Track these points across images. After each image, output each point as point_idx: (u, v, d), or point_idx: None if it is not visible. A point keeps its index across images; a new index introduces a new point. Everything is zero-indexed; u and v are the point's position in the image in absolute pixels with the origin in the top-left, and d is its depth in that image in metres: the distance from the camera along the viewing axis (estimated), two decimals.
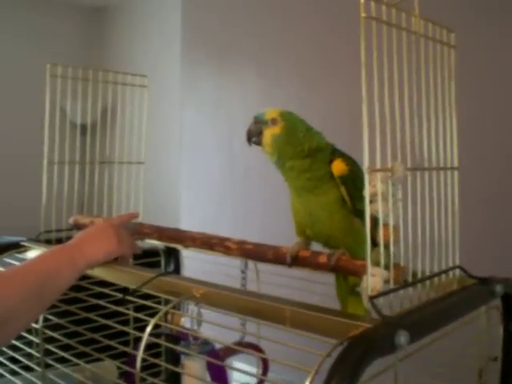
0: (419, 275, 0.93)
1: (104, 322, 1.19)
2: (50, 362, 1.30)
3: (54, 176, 1.55)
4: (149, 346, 0.94)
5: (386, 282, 0.85)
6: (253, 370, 1.43)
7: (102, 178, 1.64)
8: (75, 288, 1.19)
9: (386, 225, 0.86)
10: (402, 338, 0.76)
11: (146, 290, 1.07)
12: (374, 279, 0.84)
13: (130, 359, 1.36)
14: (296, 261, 1.06)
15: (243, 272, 1.37)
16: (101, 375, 1.35)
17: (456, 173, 1.04)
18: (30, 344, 1.34)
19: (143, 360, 0.93)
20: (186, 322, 1.15)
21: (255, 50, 3.08)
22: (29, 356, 1.35)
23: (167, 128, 3.74)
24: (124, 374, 1.47)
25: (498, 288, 1.00)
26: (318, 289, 1.26)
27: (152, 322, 0.92)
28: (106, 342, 1.18)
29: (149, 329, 0.92)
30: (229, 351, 1.28)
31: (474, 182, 1.86)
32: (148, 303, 1.08)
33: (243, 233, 2.97)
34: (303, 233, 1.10)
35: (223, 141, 3.26)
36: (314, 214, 1.07)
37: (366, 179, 0.83)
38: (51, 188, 1.53)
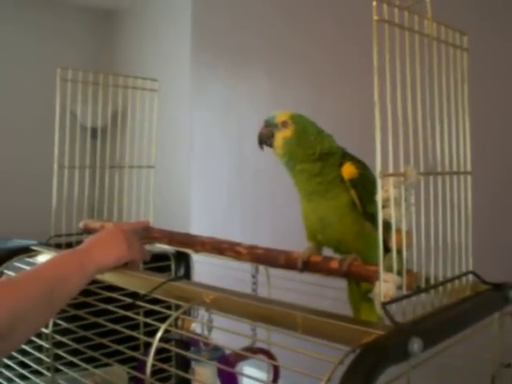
0: (432, 281, 0.91)
1: (113, 326, 1.19)
2: (60, 366, 1.30)
3: (65, 180, 1.55)
4: (159, 351, 0.94)
5: (399, 288, 0.84)
6: (263, 375, 1.42)
7: (112, 182, 1.63)
8: (85, 292, 1.19)
9: (398, 230, 0.85)
10: (416, 345, 0.75)
11: (156, 296, 1.06)
12: (386, 285, 0.82)
13: (139, 364, 1.35)
14: (307, 266, 1.04)
15: (254, 277, 1.36)
16: (110, 380, 1.35)
17: (469, 177, 1.02)
18: (39, 348, 1.34)
19: (153, 365, 0.93)
20: (196, 327, 1.14)
21: (266, 53, 3.08)
22: (38, 360, 1.35)
23: (177, 131, 3.73)
24: (134, 379, 1.47)
25: None
26: (330, 293, 1.25)
27: (162, 327, 0.92)
28: (116, 346, 1.18)
29: (159, 334, 0.91)
30: (239, 356, 1.27)
31: (487, 186, 1.84)
32: (158, 308, 1.08)
33: (253, 236, 2.99)
34: (314, 238, 1.09)
35: (233, 143, 3.26)
36: (325, 219, 1.06)
37: (379, 184, 0.82)
38: (61, 192, 1.53)
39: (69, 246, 1.52)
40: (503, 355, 1.05)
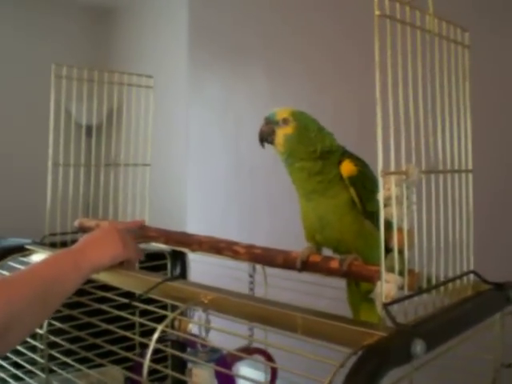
0: (433, 281, 0.90)
1: (106, 326, 1.17)
2: (54, 367, 1.28)
3: (59, 178, 1.53)
4: (154, 351, 0.92)
5: (400, 288, 0.83)
6: (261, 374, 1.41)
7: (107, 180, 1.62)
8: (79, 292, 1.17)
9: (400, 229, 0.83)
10: (418, 347, 0.73)
11: (152, 296, 1.05)
12: (388, 285, 0.81)
13: (135, 365, 1.34)
14: (306, 266, 1.03)
15: (251, 276, 1.35)
16: (106, 381, 1.33)
17: (470, 175, 1.01)
18: (33, 349, 1.32)
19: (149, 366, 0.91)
20: (192, 328, 1.12)
21: (263, 51, 3.06)
22: (32, 361, 1.33)
23: (173, 129, 3.71)
24: (129, 380, 1.46)
25: None
26: (328, 293, 1.24)
27: (159, 328, 0.90)
28: (110, 347, 1.16)
29: (156, 336, 0.89)
30: (236, 357, 1.25)
31: (487, 184, 1.83)
32: (153, 308, 1.06)
33: (250, 235, 2.97)
34: (313, 238, 1.08)
35: (230, 142, 3.24)
36: (324, 218, 1.04)
37: (380, 182, 0.80)
38: (56, 190, 1.51)
39: (63, 244, 1.51)
40: (504, 355, 1.03)
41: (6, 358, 1.34)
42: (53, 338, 1.27)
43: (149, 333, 1.13)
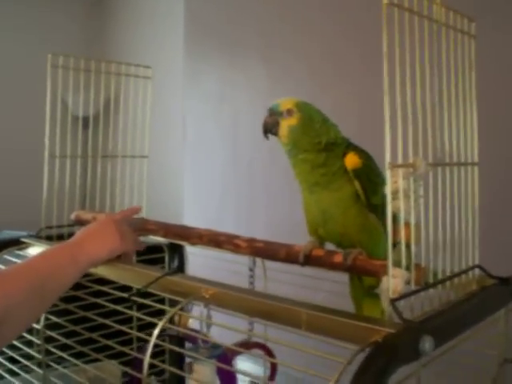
0: (439, 275, 0.89)
1: (103, 321, 1.15)
2: (51, 362, 1.26)
3: (56, 170, 1.50)
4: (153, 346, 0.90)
5: (407, 283, 0.81)
6: (260, 369, 1.39)
7: (104, 172, 1.59)
8: (76, 286, 1.15)
9: (406, 223, 0.82)
10: (427, 344, 0.72)
11: (152, 290, 1.03)
12: (395, 281, 0.79)
13: (135, 361, 1.32)
14: (309, 260, 1.01)
15: (251, 270, 1.33)
16: (103, 376, 1.31)
17: (476, 168, 1.00)
18: (29, 344, 1.30)
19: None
20: (193, 323, 1.10)
21: (261, 43, 3.02)
22: (29, 356, 1.31)
23: (170, 121, 3.68)
24: (127, 374, 1.44)
25: None
26: (329, 286, 1.22)
27: (160, 324, 0.88)
28: (105, 341, 1.15)
29: (156, 331, 0.87)
30: (236, 351, 1.24)
31: (491, 177, 1.81)
32: (152, 303, 1.05)
33: (248, 227, 2.95)
34: (315, 232, 1.06)
35: (227, 134, 3.21)
36: (327, 212, 1.02)
37: (388, 175, 0.79)
38: (52, 182, 1.49)
39: (60, 238, 1.49)
40: (508, 350, 1.02)
41: (1, 353, 1.32)
42: (50, 333, 1.25)
43: (146, 326, 1.12)
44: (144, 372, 0.86)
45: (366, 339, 0.73)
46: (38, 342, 1.27)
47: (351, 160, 1.00)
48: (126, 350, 1.13)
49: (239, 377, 1.33)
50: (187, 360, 1.35)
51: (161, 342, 0.94)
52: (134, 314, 1.17)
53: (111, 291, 1.16)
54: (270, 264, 1.26)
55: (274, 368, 1.38)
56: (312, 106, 1.04)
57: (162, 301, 1.16)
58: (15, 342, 1.26)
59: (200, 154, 3.43)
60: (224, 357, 1.02)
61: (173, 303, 1.15)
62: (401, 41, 0.79)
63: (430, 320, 0.78)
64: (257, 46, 3.04)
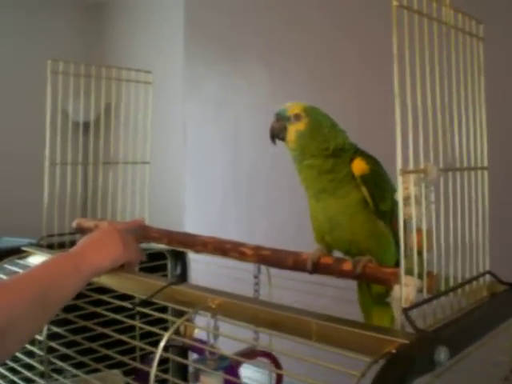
0: (451, 282, 0.87)
1: (105, 330, 1.14)
2: (54, 372, 1.25)
3: (56, 177, 1.48)
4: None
5: (419, 291, 0.80)
6: (265, 377, 1.37)
7: (105, 178, 1.57)
8: (78, 295, 1.13)
9: (418, 230, 0.80)
10: (442, 354, 0.70)
11: (156, 301, 1.01)
12: (407, 289, 0.77)
13: (137, 371, 1.30)
14: (318, 268, 0.99)
15: (256, 277, 1.31)
16: None
17: (486, 173, 0.98)
18: (31, 354, 1.28)
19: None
20: (198, 333, 1.08)
21: (261, 47, 3.01)
22: (29, 366, 1.29)
23: (170, 126, 3.65)
24: None
25: None
26: (331, 292, 1.21)
27: (166, 335, 0.86)
28: (108, 351, 1.13)
29: (162, 344, 0.85)
30: (243, 361, 1.22)
31: (499, 181, 1.79)
32: (155, 313, 1.03)
33: (248, 233, 2.93)
34: (322, 240, 1.04)
35: (228, 139, 3.20)
36: (335, 219, 1.00)
37: (399, 181, 0.77)
38: (53, 190, 1.47)
39: (61, 246, 1.46)
40: None
41: (3, 364, 1.30)
42: (52, 343, 1.23)
43: (148, 335, 1.10)
44: None
45: (378, 350, 0.71)
46: (40, 353, 1.25)
47: (358, 166, 0.98)
48: (129, 361, 1.11)
49: None
50: (190, 369, 1.33)
51: (166, 355, 0.92)
52: (137, 324, 1.15)
53: (115, 301, 1.14)
54: (273, 270, 1.24)
55: (279, 376, 1.36)
56: (320, 111, 1.02)
57: (163, 309, 1.14)
58: (16, 353, 1.24)
59: (201, 160, 3.41)
60: (231, 368, 1.00)
61: (176, 312, 1.13)
62: (410, 43, 0.77)
63: (443, 329, 0.76)
64: (257, 50, 3.02)
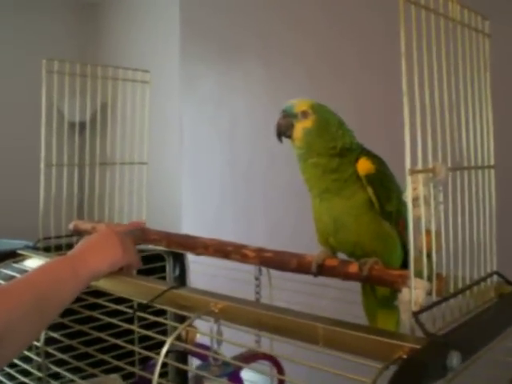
0: (460, 283, 0.85)
1: (100, 335, 1.12)
2: (52, 378, 1.22)
3: (53, 179, 1.45)
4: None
5: (428, 293, 0.78)
6: (266, 380, 1.35)
7: (102, 180, 1.55)
8: (76, 299, 1.11)
9: (427, 231, 0.78)
10: (455, 359, 0.68)
11: (157, 305, 0.98)
12: (416, 292, 0.75)
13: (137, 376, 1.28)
14: (322, 270, 0.97)
15: (257, 279, 1.29)
16: None
17: (492, 172, 0.96)
18: (28, 359, 1.26)
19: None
20: (200, 338, 1.06)
21: (258, 46, 2.99)
22: (25, 372, 1.27)
23: (167, 126, 3.63)
24: None
25: None
26: (332, 293, 1.19)
27: (168, 341, 0.84)
28: (101, 356, 1.11)
29: (165, 349, 0.83)
30: (244, 361, 1.20)
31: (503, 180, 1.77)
32: (155, 317, 1.01)
33: (246, 233, 2.91)
34: (326, 242, 1.01)
35: (225, 139, 3.18)
36: (339, 220, 0.98)
37: (408, 181, 0.75)
38: (49, 192, 1.44)
39: (58, 249, 1.44)
40: None
41: (0, 370, 1.28)
42: (49, 349, 1.21)
43: (147, 338, 1.08)
44: None
45: (388, 355, 0.69)
46: (38, 359, 1.22)
47: (364, 165, 0.96)
48: (128, 366, 1.09)
49: None
50: (190, 375, 1.31)
51: (167, 360, 0.90)
52: (136, 328, 1.13)
53: (113, 305, 1.11)
54: (273, 271, 1.22)
55: (281, 381, 1.34)
56: (328, 108, 1.00)
57: (162, 312, 1.11)
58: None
59: (198, 159, 3.40)
60: (234, 373, 0.98)
61: (176, 316, 1.11)
62: (418, 39, 0.75)
63: (454, 333, 0.74)
64: (254, 48, 3.00)
